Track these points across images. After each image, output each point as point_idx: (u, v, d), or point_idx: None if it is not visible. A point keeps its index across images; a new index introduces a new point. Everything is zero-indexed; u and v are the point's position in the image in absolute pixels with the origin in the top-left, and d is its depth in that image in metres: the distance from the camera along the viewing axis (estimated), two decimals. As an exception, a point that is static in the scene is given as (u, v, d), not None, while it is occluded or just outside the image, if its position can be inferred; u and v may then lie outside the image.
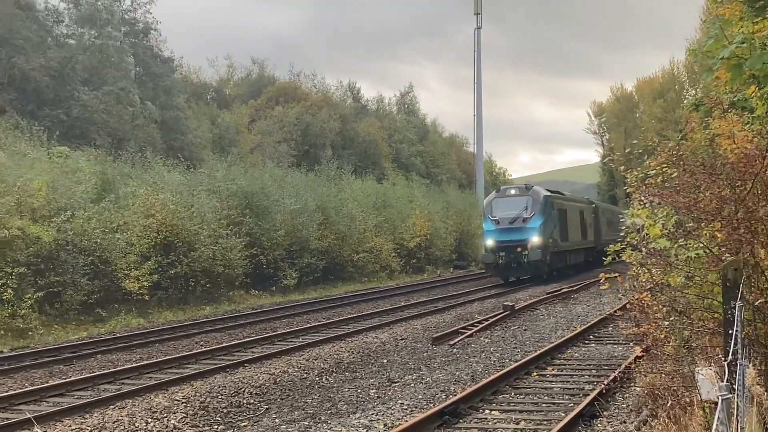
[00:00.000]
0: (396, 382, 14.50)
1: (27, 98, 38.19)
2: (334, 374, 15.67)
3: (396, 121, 75.38)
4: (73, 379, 15.26)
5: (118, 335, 21.90)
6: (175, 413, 12.27)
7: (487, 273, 40.34)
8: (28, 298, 22.02)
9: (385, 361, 17.02)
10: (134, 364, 16.72)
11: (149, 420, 11.87)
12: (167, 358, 17.42)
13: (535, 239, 35.12)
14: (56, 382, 14.90)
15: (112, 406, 12.92)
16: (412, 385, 14.16)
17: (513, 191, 37.75)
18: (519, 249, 35.18)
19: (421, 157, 73.37)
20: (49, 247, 23.66)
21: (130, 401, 13.27)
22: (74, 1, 45.37)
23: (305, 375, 15.41)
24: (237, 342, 19.60)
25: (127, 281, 25.66)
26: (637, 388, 11.35)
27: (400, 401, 12.60)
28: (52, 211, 24.67)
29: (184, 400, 13.05)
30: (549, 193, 38.16)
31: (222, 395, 13.50)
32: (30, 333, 21.59)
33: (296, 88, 66.70)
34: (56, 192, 25.56)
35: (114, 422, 11.74)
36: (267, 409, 12.89)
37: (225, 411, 12.67)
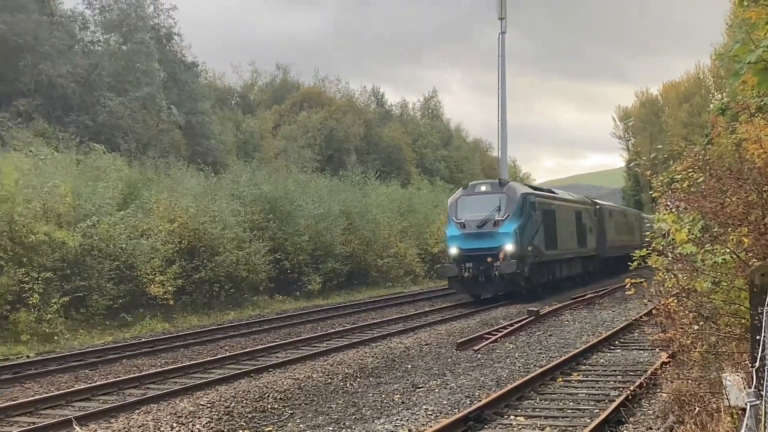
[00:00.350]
0: (420, 388, 14.47)
1: (53, 104, 38.47)
2: (358, 379, 15.66)
3: (420, 126, 75.44)
4: (98, 383, 15.35)
5: (143, 340, 22.03)
6: (200, 418, 12.30)
7: (451, 288, 32.50)
8: (54, 302, 22.17)
9: (410, 366, 16.98)
10: (159, 369, 16.81)
11: (174, 424, 11.91)
12: (192, 362, 17.48)
13: (509, 247, 28.80)
14: (82, 387, 15.00)
15: (137, 411, 12.98)
16: (437, 390, 14.12)
17: (483, 188, 31.00)
18: (489, 259, 28.81)
19: (446, 161, 73.33)
20: (75, 252, 23.85)
21: (156, 406, 13.32)
22: (102, 6, 45.73)
23: (329, 380, 15.41)
24: (261, 347, 19.63)
25: (152, 286, 25.79)
26: (664, 394, 11.25)
27: (424, 406, 12.57)
28: (78, 216, 24.85)
29: (208, 405, 13.08)
30: (529, 190, 32.39)
31: (246, 400, 13.52)
32: (56, 338, 21.74)
33: (320, 93, 66.89)
34: (82, 198, 25.74)
35: (139, 427, 11.79)
36: (291, 414, 12.90)
37: (249, 416, 12.69)
